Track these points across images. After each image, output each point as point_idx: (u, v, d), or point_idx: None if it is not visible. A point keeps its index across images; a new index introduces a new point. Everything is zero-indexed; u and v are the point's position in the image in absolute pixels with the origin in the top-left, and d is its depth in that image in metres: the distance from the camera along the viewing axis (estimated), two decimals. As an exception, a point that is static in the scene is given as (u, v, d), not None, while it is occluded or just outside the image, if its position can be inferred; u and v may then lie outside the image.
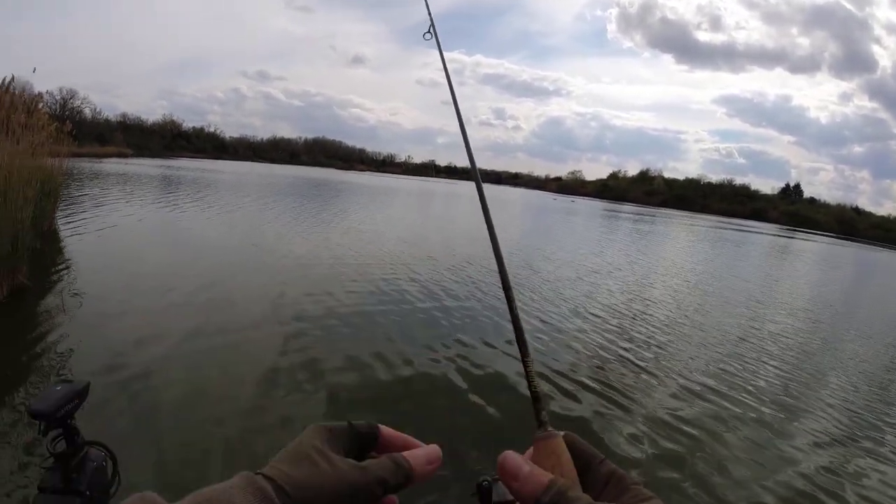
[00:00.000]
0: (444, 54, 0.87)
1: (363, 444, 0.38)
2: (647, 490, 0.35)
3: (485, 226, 0.51)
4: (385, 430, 0.40)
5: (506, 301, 0.44)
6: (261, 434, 3.08)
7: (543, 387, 4.16)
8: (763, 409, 4.38)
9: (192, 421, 3.14)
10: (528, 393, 0.40)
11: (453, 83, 0.78)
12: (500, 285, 0.44)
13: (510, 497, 0.38)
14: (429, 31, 0.95)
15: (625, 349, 5.52)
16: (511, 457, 0.36)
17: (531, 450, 0.39)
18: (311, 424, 0.36)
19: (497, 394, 3.89)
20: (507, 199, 45.16)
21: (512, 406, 3.67)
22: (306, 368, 4.03)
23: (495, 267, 0.49)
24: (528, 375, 0.40)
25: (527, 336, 0.44)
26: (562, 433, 0.38)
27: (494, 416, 3.56)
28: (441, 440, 0.40)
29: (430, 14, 0.98)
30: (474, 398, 3.81)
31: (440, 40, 0.88)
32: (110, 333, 4.24)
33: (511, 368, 4.37)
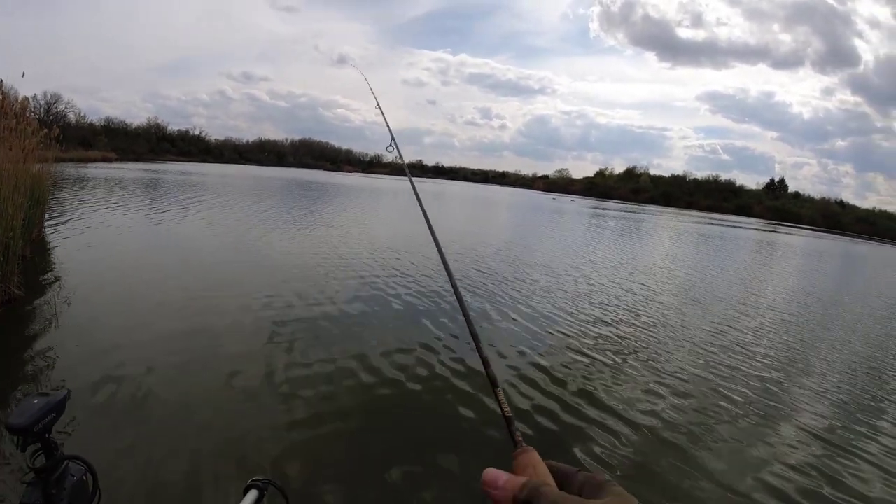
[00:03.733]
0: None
1: None
2: (623, 489, 0.37)
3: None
4: None
5: (472, 340, 0.52)
6: (246, 441, 3.07)
7: (514, 396, 4.25)
8: (742, 409, 4.45)
9: (178, 431, 3.12)
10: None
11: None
12: (468, 331, 0.53)
13: None
14: (390, 145, 1.12)
15: (601, 347, 5.67)
16: (491, 470, 0.40)
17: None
18: None
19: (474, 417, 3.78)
20: (500, 202, 43.98)
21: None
22: (292, 375, 4.04)
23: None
24: (499, 403, 0.46)
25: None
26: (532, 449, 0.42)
27: (476, 433, 3.47)
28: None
29: (390, 130, 1.14)
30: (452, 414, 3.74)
31: (399, 148, 1.07)
32: (100, 343, 4.20)
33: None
